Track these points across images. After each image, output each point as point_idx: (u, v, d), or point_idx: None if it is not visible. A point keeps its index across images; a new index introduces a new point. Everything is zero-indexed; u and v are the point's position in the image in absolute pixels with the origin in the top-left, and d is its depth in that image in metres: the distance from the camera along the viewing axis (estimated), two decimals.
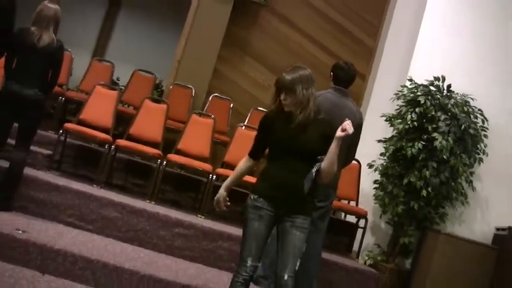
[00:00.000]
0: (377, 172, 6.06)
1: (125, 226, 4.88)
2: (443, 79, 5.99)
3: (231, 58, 7.66)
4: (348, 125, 3.18)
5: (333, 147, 3.23)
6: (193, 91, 7.19)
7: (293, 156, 3.27)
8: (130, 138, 5.86)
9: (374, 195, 6.08)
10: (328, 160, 3.25)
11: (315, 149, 3.28)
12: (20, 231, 4.14)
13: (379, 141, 6.11)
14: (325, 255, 5.13)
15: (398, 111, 5.97)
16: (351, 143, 4.46)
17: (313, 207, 3.48)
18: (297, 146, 3.27)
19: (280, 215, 3.32)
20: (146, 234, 4.88)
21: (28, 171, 4.92)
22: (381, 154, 6.03)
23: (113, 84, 7.16)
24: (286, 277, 3.24)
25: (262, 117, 3.45)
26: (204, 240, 4.93)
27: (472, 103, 6.00)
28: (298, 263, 3.29)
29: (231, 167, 5.85)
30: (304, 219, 3.32)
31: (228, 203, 3.48)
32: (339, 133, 3.19)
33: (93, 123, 5.77)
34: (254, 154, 3.46)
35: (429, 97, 5.82)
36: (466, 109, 5.87)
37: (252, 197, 3.33)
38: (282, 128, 3.30)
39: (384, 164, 6.00)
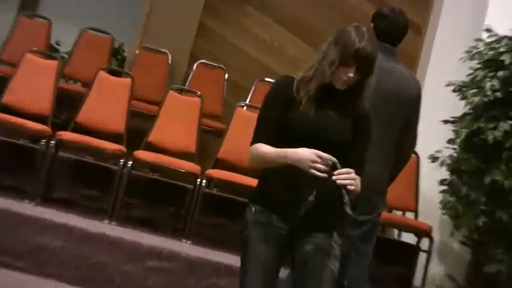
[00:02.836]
0: (444, 168, 6.02)
1: (73, 260, 4.88)
2: None
3: (225, 8, 7.72)
4: (349, 179, 3.04)
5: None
6: (170, 57, 7.32)
7: (317, 148, 3.15)
8: (79, 129, 5.90)
9: (441, 201, 6.03)
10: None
11: (344, 143, 3.25)
12: None
13: (445, 122, 6.12)
14: None
15: (471, 77, 5.96)
16: (403, 127, 4.34)
17: (349, 220, 3.34)
18: (323, 135, 3.22)
19: (295, 233, 3.22)
20: (105, 270, 4.90)
21: None
22: (449, 141, 6.03)
23: (50, 51, 7.22)
24: None
25: (282, 79, 3.34)
26: (192, 276, 4.96)
27: None
28: None
29: (229, 166, 5.94)
30: (335, 239, 3.26)
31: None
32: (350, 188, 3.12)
33: (22, 108, 5.85)
34: (265, 139, 3.24)
35: None
36: None
37: (252, 209, 3.27)
38: (306, 108, 3.22)
39: (454, 155, 5.98)
